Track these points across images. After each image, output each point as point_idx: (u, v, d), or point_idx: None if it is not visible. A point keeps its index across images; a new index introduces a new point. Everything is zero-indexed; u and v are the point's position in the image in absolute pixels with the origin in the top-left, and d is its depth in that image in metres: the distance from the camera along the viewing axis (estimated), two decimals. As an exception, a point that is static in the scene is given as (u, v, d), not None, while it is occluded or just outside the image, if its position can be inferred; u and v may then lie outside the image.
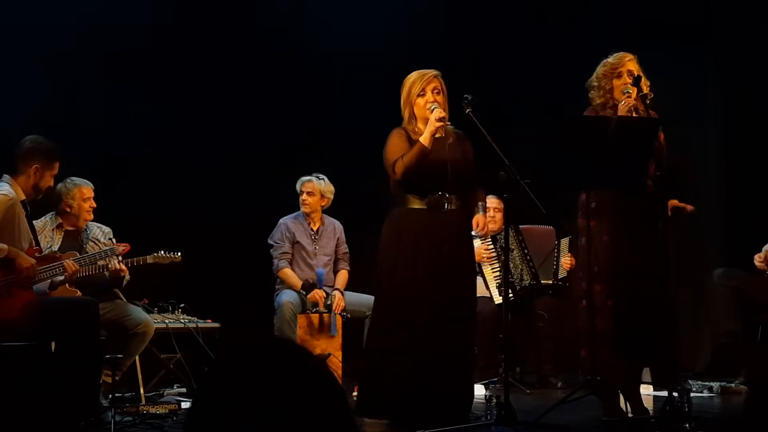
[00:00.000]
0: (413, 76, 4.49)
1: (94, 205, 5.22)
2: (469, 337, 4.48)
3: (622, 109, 4.37)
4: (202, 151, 6.59)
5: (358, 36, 6.91)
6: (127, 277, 5.11)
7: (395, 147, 4.42)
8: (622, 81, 4.45)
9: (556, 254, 6.25)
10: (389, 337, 4.36)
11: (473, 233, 6.47)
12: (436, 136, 4.38)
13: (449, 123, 4.45)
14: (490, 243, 6.12)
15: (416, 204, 4.43)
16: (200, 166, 6.55)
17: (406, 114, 4.50)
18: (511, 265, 6.13)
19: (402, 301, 4.36)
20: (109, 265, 4.93)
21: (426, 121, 4.38)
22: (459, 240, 4.51)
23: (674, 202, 4.49)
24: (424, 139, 4.33)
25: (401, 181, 4.39)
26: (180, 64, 6.62)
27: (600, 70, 4.53)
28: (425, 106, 4.41)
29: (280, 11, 6.97)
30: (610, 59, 4.52)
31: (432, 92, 4.43)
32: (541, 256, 6.19)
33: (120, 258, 4.95)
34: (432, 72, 4.47)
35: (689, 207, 4.53)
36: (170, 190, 6.46)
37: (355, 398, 4.70)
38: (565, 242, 6.26)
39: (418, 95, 4.44)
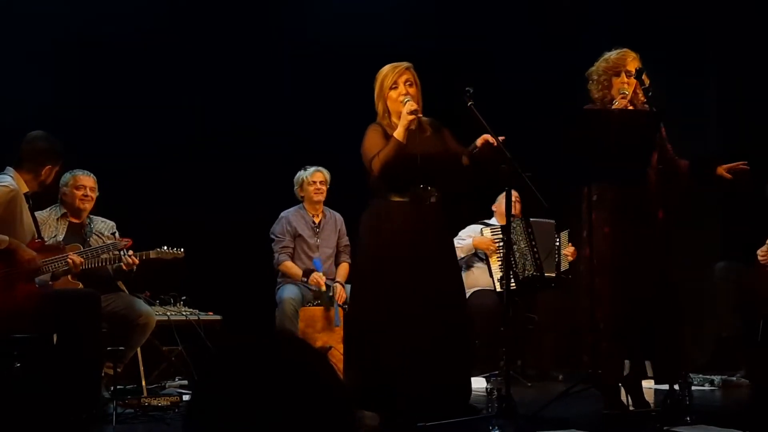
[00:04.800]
0: (385, 69, 4.40)
1: (89, 194, 5.16)
2: (461, 327, 4.38)
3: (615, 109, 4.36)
4: (201, 146, 6.59)
5: (355, 31, 6.91)
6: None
7: (372, 143, 4.33)
8: (621, 80, 4.41)
9: (557, 247, 6.29)
10: (374, 329, 4.24)
11: (485, 221, 6.49)
12: (411, 128, 4.29)
13: (422, 115, 4.36)
14: (499, 232, 6.13)
15: (397, 198, 4.34)
16: (201, 160, 6.54)
17: (380, 108, 4.42)
18: (518, 255, 6.16)
19: (385, 294, 4.25)
20: (122, 262, 4.95)
21: (400, 114, 4.29)
22: (440, 233, 4.42)
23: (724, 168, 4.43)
24: (398, 134, 4.24)
25: (380, 177, 4.31)
26: (179, 62, 6.60)
27: (601, 64, 4.47)
28: (398, 99, 4.32)
29: (276, 7, 6.97)
30: (613, 55, 4.45)
31: (404, 84, 4.34)
32: (542, 250, 6.21)
33: (130, 252, 4.96)
34: (404, 64, 4.39)
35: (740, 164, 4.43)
36: (172, 183, 6.44)
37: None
38: (564, 235, 6.29)
39: (391, 88, 4.36)
